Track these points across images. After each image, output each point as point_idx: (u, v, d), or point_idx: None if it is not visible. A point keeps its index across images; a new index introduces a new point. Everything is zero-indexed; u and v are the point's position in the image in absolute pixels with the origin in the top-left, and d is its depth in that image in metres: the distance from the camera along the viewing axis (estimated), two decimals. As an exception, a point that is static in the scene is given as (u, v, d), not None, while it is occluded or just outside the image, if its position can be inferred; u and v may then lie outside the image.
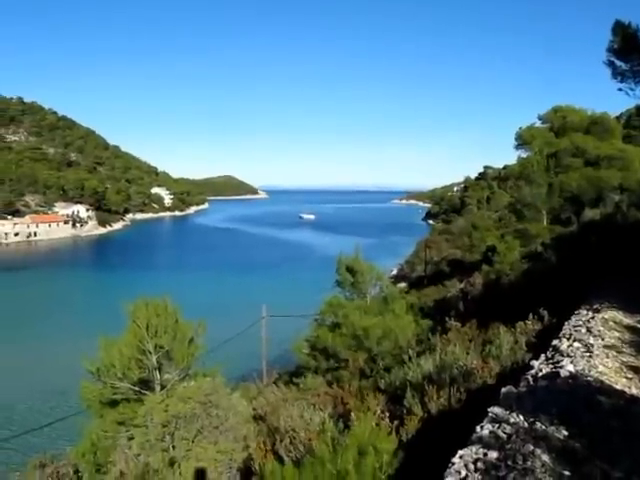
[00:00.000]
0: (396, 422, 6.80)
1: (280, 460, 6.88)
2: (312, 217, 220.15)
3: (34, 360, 44.96)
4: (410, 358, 10.85)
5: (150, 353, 10.90)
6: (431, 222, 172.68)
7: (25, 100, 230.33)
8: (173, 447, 7.66)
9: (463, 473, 4.07)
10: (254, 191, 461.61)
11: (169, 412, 7.79)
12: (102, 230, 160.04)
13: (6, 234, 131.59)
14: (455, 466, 4.17)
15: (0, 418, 34.01)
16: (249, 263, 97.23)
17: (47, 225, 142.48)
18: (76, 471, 12.03)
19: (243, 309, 45.27)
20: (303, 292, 59.92)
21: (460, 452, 4.34)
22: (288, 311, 32.38)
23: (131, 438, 9.47)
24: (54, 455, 14.18)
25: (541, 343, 8.65)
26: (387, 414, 7.10)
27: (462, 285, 31.94)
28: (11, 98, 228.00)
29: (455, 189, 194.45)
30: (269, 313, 28.57)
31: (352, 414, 7.16)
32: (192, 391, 8.27)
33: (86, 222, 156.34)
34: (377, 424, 5.94)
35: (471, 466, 4.13)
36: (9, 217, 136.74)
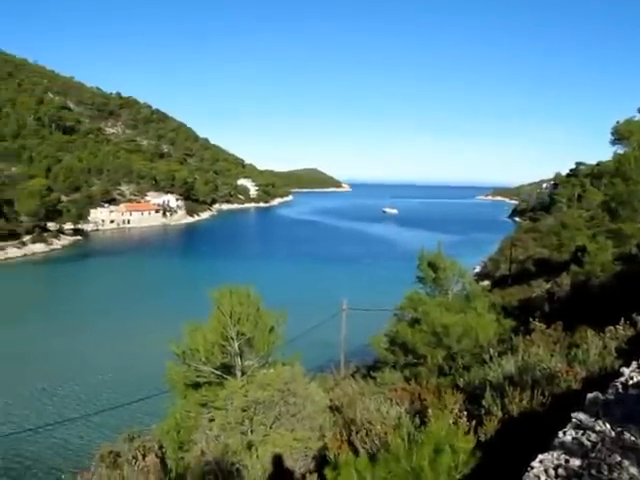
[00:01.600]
0: (474, 422, 6.67)
1: (355, 452, 6.93)
2: (395, 211, 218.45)
3: (125, 340, 47.45)
4: (491, 357, 10.59)
5: (232, 339, 11.25)
6: (517, 220, 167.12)
7: (123, 95, 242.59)
8: (251, 431, 7.90)
9: (543, 478, 3.95)
10: (337, 184, 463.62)
11: (249, 397, 8.04)
12: (190, 219, 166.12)
13: (103, 221, 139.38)
14: (534, 470, 4.05)
15: (94, 394, 36.28)
16: (331, 256, 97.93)
17: (140, 213, 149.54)
18: (160, 447, 12.61)
19: (323, 301, 45.71)
20: (383, 286, 59.70)
21: (540, 457, 4.21)
22: (368, 305, 32.38)
23: (212, 420, 9.82)
24: (141, 430, 14.97)
25: (633, 350, 8.21)
26: (465, 413, 6.97)
27: (548, 285, 30.79)
28: (111, 93, 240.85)
29: (544, 186, 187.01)
30: (349, 306, 28.66)
31: (429, 411, 7.09)
32: (271, 378, 8.48)
33: (175, 211, 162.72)
34: (454, 422, 5.85)
35: (551, 472, 3.99)
36: (106, 205, 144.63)
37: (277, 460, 8.30)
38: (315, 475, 6.62)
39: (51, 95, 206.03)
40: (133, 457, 11.38)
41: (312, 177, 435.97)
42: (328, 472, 5.14)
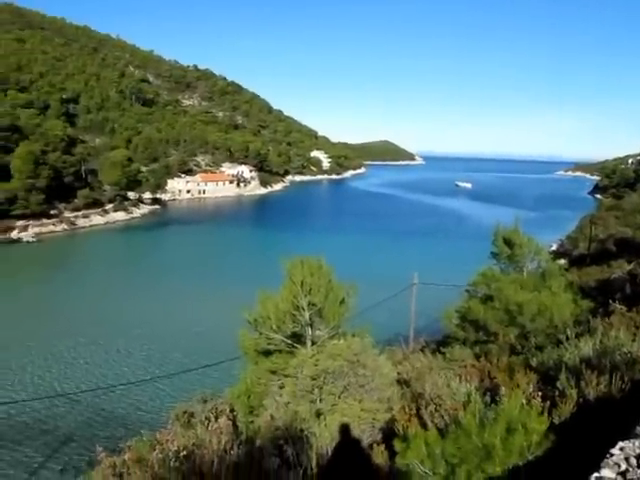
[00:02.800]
0: (548, 403, 6.50)
1: (423, 425, 6.92)
2: (469, 185, 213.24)
3: (198, 306, 49.11)
4: (567, 338, 10.24)
5: (303, 309, 11.41)
6: (599, 196, 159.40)
7: (200, 67, 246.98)
8: (320, 400, 8.03)
9: (623, 466, 3.79)
10: (410, 157, 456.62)
11: (319, 367, 8.16)
12: (263, 190, 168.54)
13: (179, 191, 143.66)
14: (614, 458, 3.90)
15: (168, 356, 37.86)
16: (402, 229, 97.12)
17: (215, 184, 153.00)
18: (232, 410, 13.05)
19: (393, 274, 45.43)
20: (455, 261, 58.72)
21: (621, 444, 4.04)
22: (439, 279, 31.98)
23: (282, 387, 10.05)
24: (214, 393, 15.54)
25: None
26: (539, 394, 6.80)
27: (631, 267, 29.30)
28: (188, 66, 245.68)
29: (630, 161, 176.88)
30: (420, 280, 28.40)
31: (501, 389, 6.96)
32: (342, 349, 8.56)
33: (249, 182, 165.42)
34: (527, 402, 5.72)
35: (633, 460, 3.83)
36: (182, 175, 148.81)
37: (344, 429, 8.41)
38: (383, 446, 6.67)
39: (132, 69, 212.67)
40: (206, 418, 11.80)
41: (385, 149, 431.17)
42: (397, 444, 5.16)
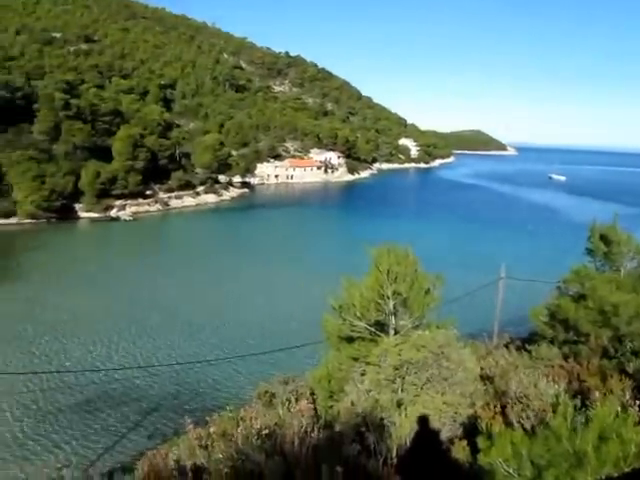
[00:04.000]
0: (646, 412, 6.14)
1: (508, 425, 6.74)
2: (563, 178, 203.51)
3: (282, 288, 50.08)
4: (669, 345, 9.62)
5: (388, 298, 11.37)
6: None
7: (291, 54, 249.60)
8: (402, 390, 8.00)
9: None
10: (502, 147, 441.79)
11: (402, 356, 8.13)
12: (350, 177, 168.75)
13: (268, 175, 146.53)
14: None
15: (250, 336, 38.84)
16: (490, 221, 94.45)
17: (303, 169, 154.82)
18: (312, 393, 13.27)
19: (480, 267, 44.43)
20: (545, 257, 56.57)
21: None
22: (527, 274, 30.94)
23: (363, 374, 10.09)
24: (295, 375, 15.84)
25: None
26: (635, 402, 6.44)
27: None
28: (280, 53, 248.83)
29: None
30: (508, 274, 27.57)
31: (593, 394, 6.66)
32: (426, 340, 8.46)
33: (336, 169, 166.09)
34: (623, 410, 5.43)
35: None
36: (271, 160, 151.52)
37: (423, 421, 8.34)
38: (464, 442, 6.56)
39: (226, 56, 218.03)
40: (287, 399, 12.06)
41: (475, 139, 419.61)
42: (481, 441, 5.05)
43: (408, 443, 7.80)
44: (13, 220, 78.94)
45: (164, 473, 6.01)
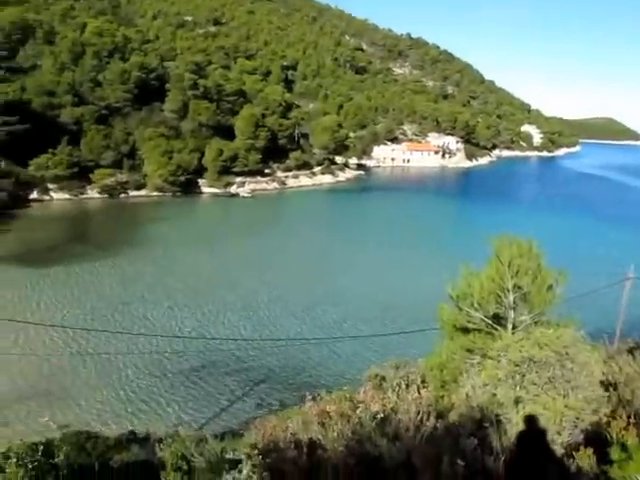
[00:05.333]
0: None
1: (640, 436, 6.24)
2: None
3: (393, 271, 49.80)
4: None
5: (508, 291, 10.91)
6: None
7: (413, 36, 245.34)
8: (521, 388, 7.67)
9: None
10: (637, 137, 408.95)
11: (523, 353, 7.78)
12: (468, 163, 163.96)
13: (384, 158, 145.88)
14: None
15: (360, 319, 39.02)
16: (618, 217, 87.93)
17: (420, 153, 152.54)
18: (422, 381, 13.08)
19: (603, 265, 41.81)
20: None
21: None
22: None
23: (479, 367, 9.79)
24: (406, 361, 15.71)
25: None
26: None
27: None
28: (401, 35, 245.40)
29: None
30: (636, 274, 25.56)
31: None
32: (550, 338, 8.03)
33: (454, 154, 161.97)
34: None
35: None
36: (388, 143, 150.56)
37: (534, 421, 7.96)
38: (590, 450, 6.16)
39: (347, 37, 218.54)
40: (397, 384, 11.98)
41: (607, 128, 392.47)
42: (615, 452, 4.71)
43: (523, 442, 7.50)
44: (143, 192, 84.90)
45: (281, 442, 6.18)
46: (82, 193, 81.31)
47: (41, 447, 6.03)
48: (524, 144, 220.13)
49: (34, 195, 77.94)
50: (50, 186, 79.19)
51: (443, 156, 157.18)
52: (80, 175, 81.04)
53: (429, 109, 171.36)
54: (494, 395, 7.55)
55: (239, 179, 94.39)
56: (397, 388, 10.85)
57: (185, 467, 6.38)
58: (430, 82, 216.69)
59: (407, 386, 11.49)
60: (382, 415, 6.21)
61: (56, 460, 6.24)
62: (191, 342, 34.16)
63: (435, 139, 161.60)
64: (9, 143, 74.24)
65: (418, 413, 6.40)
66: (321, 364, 32.53)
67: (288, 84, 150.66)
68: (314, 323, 38.57)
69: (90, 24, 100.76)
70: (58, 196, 79.52)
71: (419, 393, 8.85)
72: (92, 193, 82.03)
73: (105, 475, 7.50)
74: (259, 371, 31.59)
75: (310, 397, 7.94)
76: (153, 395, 28.69)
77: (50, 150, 78.21)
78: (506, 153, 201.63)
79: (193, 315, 39.10)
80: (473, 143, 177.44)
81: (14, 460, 5.63)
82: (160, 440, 14.77)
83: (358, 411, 6.42)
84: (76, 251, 54.39)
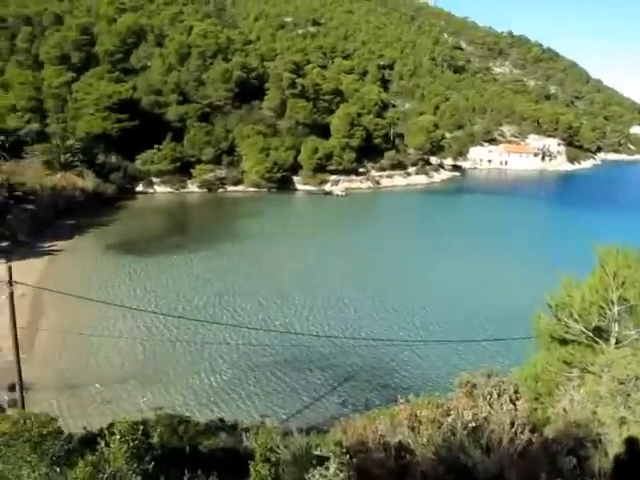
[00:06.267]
0: None
1: None
2: None
3: (489, 277, 48.25)
4: None
5: (613, 303, 10.33)
6: None
7: (514, 34, 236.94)
8: (625, 407, 7.22)
9: None
10: None
11: (629, 371, 7.32)
12: (569, 167, 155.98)
13: (481, 160, 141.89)
14: None
15: (451, 323, 38.14)
16: None
17: (518, 155, 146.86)
18: (515, 391, 12.62)
19: None
20: None
21: None
22: None
23: (578, 380, 9.34)
24: (499, 370, 15.19)
25: None
26: None
27: None
28: (502, 32, 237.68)
29: None
30: None
31: None
32: (661, 357, 7.54)
33: (555, 157, 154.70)
34: None
35: None
36: (485, 144, 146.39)
37: (633, 443, 7.47)
38: None
39: (446, 36, 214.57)
40: (489, 393, 11.64)
41: None
42: None
43: (620, 465, 7.07)
44: (240, 188, 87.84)
45: (370, 443, 6.19)
46: (183, 187, 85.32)
47: (141, 427, 6.39)
48: (633, 147, 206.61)
49: (139, 188, 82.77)
50: (154, 179, 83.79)
51: (543, 159, 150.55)
52: (182, 170, 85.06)
53: (529, 110, 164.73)
54: (594, 413, 7.18)
55: (333, 177, 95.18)
56: (489, 397, 10.58)
57: (273, 459, 6.55)
58: (531, 81, 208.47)
59: (499, 396, 11.16)
60: (474, 424, 6.07)
61: (151, 440, 6.59)
62: (277, 336, 34.91)
63: (535, 141, 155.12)
64: (120, 138, 79.28)
65: (512, 425, 6.20)
66: (407, 366, 32.19)
67: (384, 83, 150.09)
68: (400, 324, 38.23)
69: (196, 27, 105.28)
70: (161, 189, 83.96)
71: (513, 404, 8.58)
72: (192, 187, 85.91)
73: (195, 459, 7.79)
74: (344, 369, 31.72)
75: (402, 400, 7.88)
76: (240, 385, 29.60)
77: (155, 146, 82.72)
78: (612, 156, 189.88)
79: (281, 309, 39.95)
80: (576, 146, 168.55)
81: (117, 437, 6.05)
82: (247, 430, 15.23)
83: (449, 418, 6.30)
84: (174, 242, 57.16)
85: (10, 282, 20.41)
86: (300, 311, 39.86)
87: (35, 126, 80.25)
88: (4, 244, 50.81)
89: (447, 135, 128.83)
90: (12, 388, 24.92)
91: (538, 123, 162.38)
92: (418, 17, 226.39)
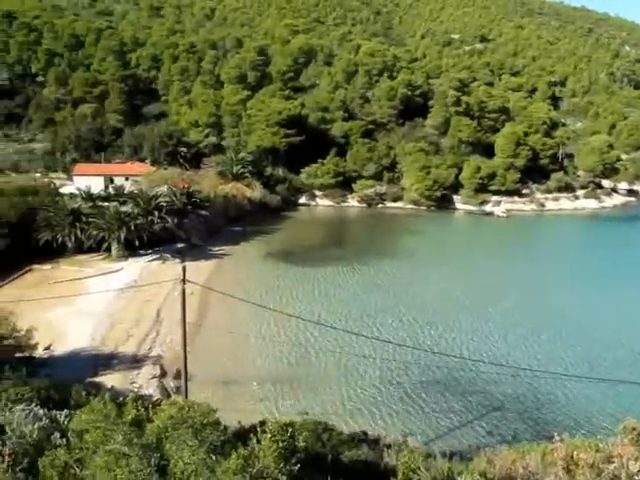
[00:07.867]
0: None
1: None
2: None
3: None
4: None
5: None
6: None
7: None
8: None
9: None
10: None
11: None
12: None
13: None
14: None
15: (606, 360, 35.18)
16: None
17: None
18: None
19: None
20: None
21: None
22: None
23: None
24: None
25: None
26: None
27: None
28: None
29: None
30: None
31: None
32: None
33: None
34: None
35: None
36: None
37: None
38: None
39: (627, 48, 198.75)
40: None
41: None
42: None
43: None
44: (399, 204, 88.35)
45: (519, 478, 5.95)
46: (343, 201, 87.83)
47: (289, 429, 6.74)
48: None
49: (302, 200, 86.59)
50: (317, 192, 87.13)
51: None
52: (343, 184, 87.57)
53: None
54: None
55: (495, 198, 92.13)
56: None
57: (415, 479, 6.57)
58: None
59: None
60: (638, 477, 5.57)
61: (297, 443, 6.95)
62: (420, 355, 34.50)
63: None
64: (287, 152, 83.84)
65: None
66: (559, 402, 30.18)
67: (555, 101, 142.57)
68: (551, 356, 36.03)
69: (364, 45, 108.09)
70: (322, 202, 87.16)
71: None
72: (352, 201, 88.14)
73: (337, 468, 8.03)
74: (491, 397, 30.55)
75: (557, 438, 7.47)
76: (381, 400, 29.69)
77: (320, 160, 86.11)
78: None
79: (429, 329, 39.49)
80: None
81: (268, 436, 6.49)
82: (389, 446, 15.17)
83: (612, 466, 5.83)
84: (331, 254, 58.95)
85: (184, 281, 22.55)
86: (449, 333, 39.25)
87: (213, 139, 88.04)
88: (180, 245, 56.15)
89: (623, 157, 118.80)
90: (176, 376, 27.61)
91: None
92: (596, 29, 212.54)
